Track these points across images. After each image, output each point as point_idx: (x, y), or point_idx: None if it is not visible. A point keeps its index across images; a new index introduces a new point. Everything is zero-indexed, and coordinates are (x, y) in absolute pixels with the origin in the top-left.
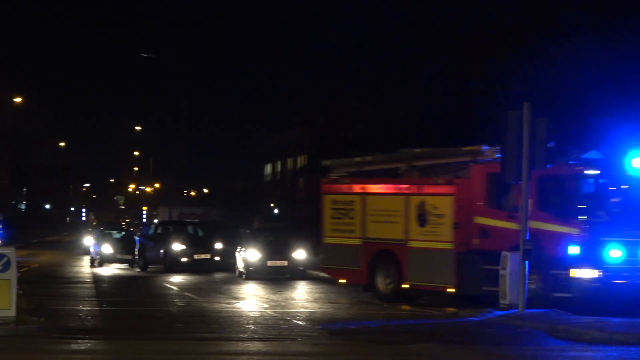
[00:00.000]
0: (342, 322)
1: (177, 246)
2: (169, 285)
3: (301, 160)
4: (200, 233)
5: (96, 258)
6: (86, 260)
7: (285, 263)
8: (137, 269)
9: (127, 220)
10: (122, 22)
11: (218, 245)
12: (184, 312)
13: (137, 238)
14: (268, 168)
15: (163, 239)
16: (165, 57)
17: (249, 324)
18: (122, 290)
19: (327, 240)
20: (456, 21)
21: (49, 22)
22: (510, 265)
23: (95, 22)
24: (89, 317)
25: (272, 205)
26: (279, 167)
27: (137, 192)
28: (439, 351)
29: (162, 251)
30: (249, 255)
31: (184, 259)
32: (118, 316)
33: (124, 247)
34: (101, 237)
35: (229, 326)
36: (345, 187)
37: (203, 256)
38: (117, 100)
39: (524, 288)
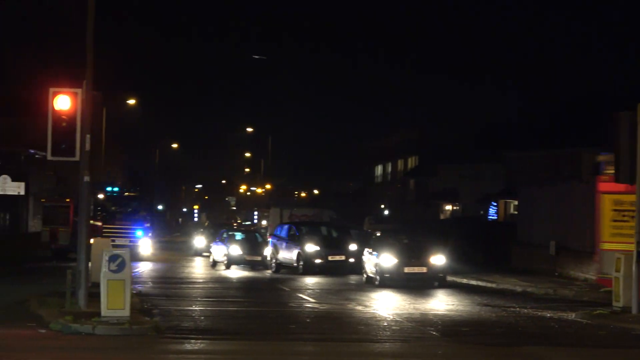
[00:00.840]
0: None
1: (311, 247)
2: (301, 287)
3: (412, 162)
4: (334, 234)
5: (220, 260)
6: (198, 260)
7: (424, 269)
8: (269, 271)
9: (238, 222)
10: (234, 23)
11: (352, 247)
12: (310, 315)
13: (269, 239)
14: (378, 169)
15: (296, 240)
16: (277, 59)
17: (387, 331)
18: (246, 292)
19: (606, 246)
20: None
21: (156, 26)
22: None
23: (207, 23)
24: (202, 317)
25: (382, 206)
26: (389, 169)
27: (248, 193)
28: (543, 353)
29: (295, 252)
30: (382, 260)
31: (318, 261)
32: (227, 316)
33: (252, 248)
34: (227, 238)
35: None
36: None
37: (337, 257)
38: (230, 102)
39: (638, 291)
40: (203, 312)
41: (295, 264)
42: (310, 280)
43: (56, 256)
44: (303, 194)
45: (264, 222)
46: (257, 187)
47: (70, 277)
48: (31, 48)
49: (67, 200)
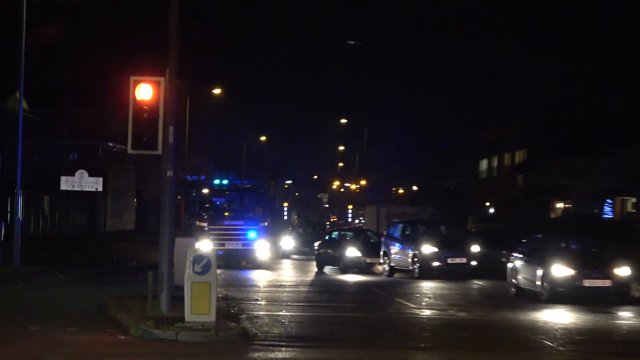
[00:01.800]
0: None
1: (428, 248)
2: (414, 293)
3: (519, 155)
4: (454, 234)
5: (340, 264)
6: (287, 263)
7: (608, 283)
8: (384, 275)
9: (333, 220)
10: (326, 6)
11: (474, 248)
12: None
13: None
14: (483, 164)
15: (411, 241)
16: (373, 45)
17: None
18: (353, 298)
19: None
20: None
21: (244, 12)
22: None
23: (299, 8)
24: (294, 323)
25: (487, 204)
26: (495, 163)
27: (342, 190)
28: None
29: (410, 254)
30: (554, 270)
31: (436, 263)
32: (321, 322)
33: (369, 250)
34: (339, 239)
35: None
36: None
37: (458, 260)
38: (323, 93)
39: None
40: (294, 317)
41: (410, 267)
42: (427, 285)
43: None
44: (400, 191)
45: (356, 221)
46: (351, 183)
47: (151, 279)
48: (112, 36)
49: (179, 197)
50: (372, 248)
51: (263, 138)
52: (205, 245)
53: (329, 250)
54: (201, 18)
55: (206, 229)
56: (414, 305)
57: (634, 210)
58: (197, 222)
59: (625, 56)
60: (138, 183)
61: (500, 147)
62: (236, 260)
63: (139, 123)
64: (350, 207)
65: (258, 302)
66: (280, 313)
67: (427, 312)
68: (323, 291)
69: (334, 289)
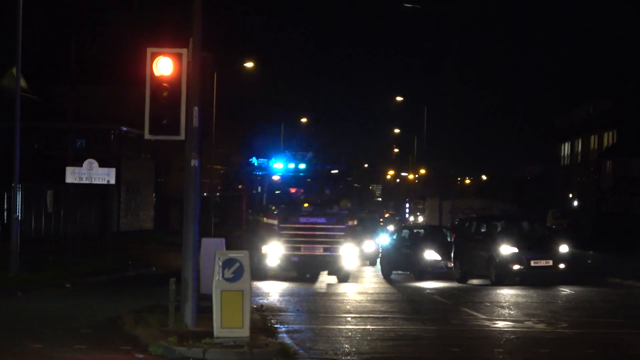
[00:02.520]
0: None
1: (507, 249)
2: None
3: (608, 138)
4: (539, 231)
5: (414, 269)
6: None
7: None
8: (455, 281)
9: (387, 215)
10: None
11: (563, 248)
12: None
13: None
14: (565, 148)
15: (486, 240)
16: (434, 9)
17: None
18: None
19: None
20: None
21: None
22: None
23: None
24: (341, 337)
25: (570, 195)
26: (578, 147)
27: (398, 180)
28: None
29: (486, 257)
30: None
31: (516, 267)
32: (370, 337)
33: (449, 252)
34: (410, 238)
35: None
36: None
37: (543, 262)
38: (373, 64)
39: None
40: (342, 330)
41: (486, 272)
42: (504, 292)
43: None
44: (467, 181)
45: (411, 218)
46: (408, 172)
47: (173, 287)
48: (127, 2)
49: (239, 186)
50: (450, 249)
51: (304, 120)
52: (274, 250)
53: (401, 252)
54: None
55: (276, 227)
56: (484, 316)
57: None
58: (264, 219)
59: None
60: (157, 174)
61: (584, 129)
62: (314, 270)
63: (157, 103)
64: (408, 200)
65: (300, 313)
66: (327, 326)
67: (499, 324)
68: (381, 300)
69: (393, 297)
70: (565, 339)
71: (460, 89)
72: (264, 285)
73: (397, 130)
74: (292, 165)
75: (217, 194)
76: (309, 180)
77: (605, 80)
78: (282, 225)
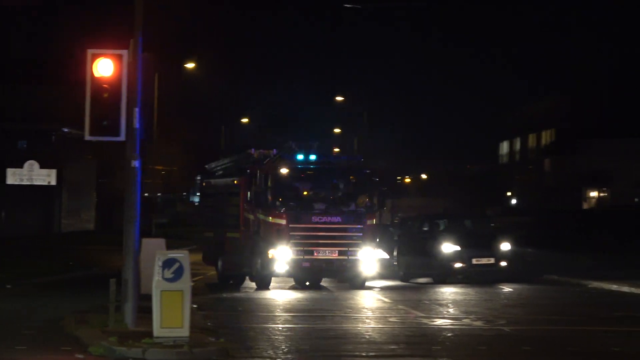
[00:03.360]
0: None
1: (448, 247)
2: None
3: (547, 136)
4: (482, 229)
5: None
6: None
7: None
8: (398, 280)
9: None
10: None
11: (504, 246)
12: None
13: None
14: (504, 147)
15: (428, 238)
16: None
17: None
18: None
19: None
20: None
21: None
22: None
23: None
24: (280, 338)
25: (509, 194)
26: (517, 146)
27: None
28: None
29: (428, 255)
30: None
31: (458, 265)
32: (312, 335)
33: (392, 249)
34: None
35: None
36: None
37: (484, 260)
38: (316, 67)
39: None
40: (283, 330)
41: (428, 270)
42: (448, 291)
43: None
44: (407, 180)
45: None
46: None
47: (114, 288)
48: (69, 5)
49: (234, 182)
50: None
51: (245, 120)
52: (282, 254)
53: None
54: None
55: (285, 228)
56: (422, 314)
57: None
58: (270, 218)
59: None
60: (99, 175)
61: (523, 127)
62: (329, 276)
63: (98, 104)
64: None
65: (241, 313)
66: (268, 325)
67: (438, 322)
68: (322, 299)
69: (333, 296)
70: (504, 336)
71: (404, 88)
72: (275, 296)
73: (337, 130)
74: (313, 157)
75: (159, 194)
76: (319, 172)
77: (546, 80)
78: (291, 226)
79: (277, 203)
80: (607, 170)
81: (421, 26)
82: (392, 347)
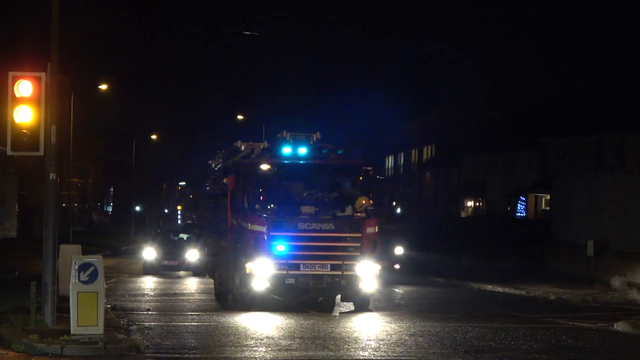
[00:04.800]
0: None
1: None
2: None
3: (428, 151)
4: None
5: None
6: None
7: None
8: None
9: None
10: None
11: (398, 250)
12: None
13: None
14: (389, 161)
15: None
16: (271, 34)
17: None
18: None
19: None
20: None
21: (133, 4)
22: None
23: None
24: (187, 334)
25: (394, 203)
26: (401, 160)
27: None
28: None
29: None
30: None
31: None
32: (216, 332)
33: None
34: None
35: None
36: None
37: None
38: (215, 88)
39: None
40: (188, 327)
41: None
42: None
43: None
44: None
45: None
46: None
47: (34, 290)
48: None
49: (224, 180)
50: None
51: (154, 137)
52: (261, 268)
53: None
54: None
55: (265, 237)
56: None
57: (548, 208)
58: (248, 225)
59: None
60: (20, 187)
61: (408, 143)
62: (319, 295)
63: (18, 122)
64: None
65: (150, 312)
66: (174, 323)
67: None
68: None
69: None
70: (388, 330)
71: (295, 109)
72: (250, 321)
73: (237, 144)
74: (303, 151)
75: (76, 204)
76: (309, 169)
77: (430, 97)
78: (272, 234)
79: (256, 206)
80: (481, 182)
81: (312, 48)
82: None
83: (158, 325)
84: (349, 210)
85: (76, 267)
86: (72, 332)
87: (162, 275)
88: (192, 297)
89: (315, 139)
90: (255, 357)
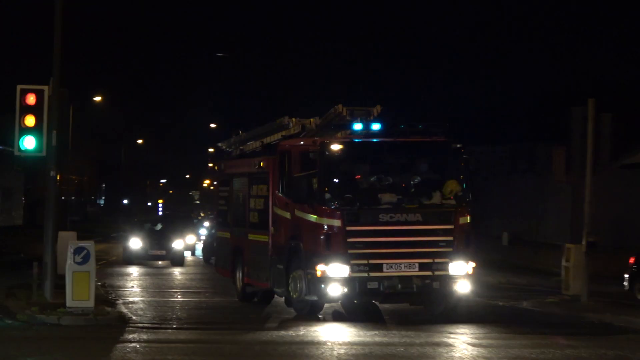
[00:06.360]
0: None
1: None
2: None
3: None
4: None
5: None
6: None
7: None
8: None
9: (206, 214)
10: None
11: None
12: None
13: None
14: None
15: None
16: (243, 55)
17: None
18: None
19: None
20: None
21: (126, 22)
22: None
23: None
24: (166, 307)
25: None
26: None
27: (212, 188)
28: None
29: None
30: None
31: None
32: (188, 307)
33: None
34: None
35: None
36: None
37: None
38: (193, 100)
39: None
40: (167, 302)
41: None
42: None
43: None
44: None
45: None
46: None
47: (36, 269)
48: None
49: (261, 164)
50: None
51: (140, 141)
52: (336, 270)
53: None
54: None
55: (340, 232)
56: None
57: None
58: (315, 218)
59: None
60: (26, 183)
61: None
62: (407, 301)
63: (25, 128)
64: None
65: (134, 289)
66: (155, 299)
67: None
68: (198, 279)
69: (207, 277)
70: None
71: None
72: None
73: (211, 150)
74: (377, 127)
75: (73, 197)
76: (393, 149)
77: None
78: (350, 229)
79: (327, 195)
80: None
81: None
82: (252, 316)
83: (142, 300)
84: (436, 198)
85: (72, 251)
86: (67, 305)
87: (147, 264)
88: (171, 277)
89: (375, 114)
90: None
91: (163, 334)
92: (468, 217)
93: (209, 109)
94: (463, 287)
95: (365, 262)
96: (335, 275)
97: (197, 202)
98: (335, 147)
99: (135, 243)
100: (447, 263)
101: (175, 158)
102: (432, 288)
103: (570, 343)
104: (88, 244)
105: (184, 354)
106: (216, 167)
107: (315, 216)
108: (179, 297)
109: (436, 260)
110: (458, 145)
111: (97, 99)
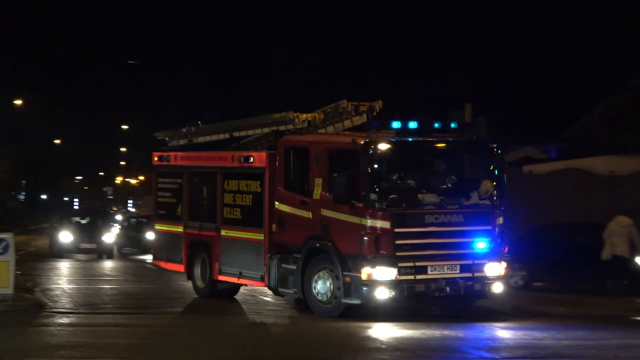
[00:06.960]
0: None
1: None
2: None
3: None
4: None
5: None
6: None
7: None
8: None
9: (117, 208)
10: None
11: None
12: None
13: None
14: None
15: None
16: (151, 63)
17: None
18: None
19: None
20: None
21: (43, 25)
22: None
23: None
24: (80, 294)
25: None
26: None
27: (124, 184)
28: None
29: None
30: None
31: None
32: (101, 294)
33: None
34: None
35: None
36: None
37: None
38: (107, 101)
39: None
40: (82, 289)
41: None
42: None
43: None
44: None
45: (133, 210)
46: (131, 178)
47: None
48: None
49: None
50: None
51: (58, 141)
52: (384, 273)
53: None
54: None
55: (387, 234)
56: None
57: None
58: (359, 220)
59: None
60: None
61: None
62: (451, 303)
63: None
64: (131, 198)
65: (50, 277)
66: (70, 286)
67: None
68: (113, 268)
69: (120, 266)
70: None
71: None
72: None
73: (123, 149)
74: (413, 125)
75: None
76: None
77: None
78: (398, 231)
79: (372, 196)
80: None
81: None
82: (159, 301)
83: (59, 287)
84: (474, 198)
85: None
86: None
87: (74, 257)
88: (87, 266)
89: (378, 109)
90: None
91: (76, 318)
92: (501, 218)
93: (123, 110)
94: (498, 288)
95: (411, 264)
96: (382, 279)
97: (111, 197)
98: (383, 146)
99: (65, 237)
100: (484, 264)
101: (92, 157)
102: (475, 289)
103: None
104: (7, 236)
105: (99, 337)
106: (156, 158)
107: (359, 217)
108: (93, 284)
109: (475, 262)
110: (494, 145)
111: (18, 102)
